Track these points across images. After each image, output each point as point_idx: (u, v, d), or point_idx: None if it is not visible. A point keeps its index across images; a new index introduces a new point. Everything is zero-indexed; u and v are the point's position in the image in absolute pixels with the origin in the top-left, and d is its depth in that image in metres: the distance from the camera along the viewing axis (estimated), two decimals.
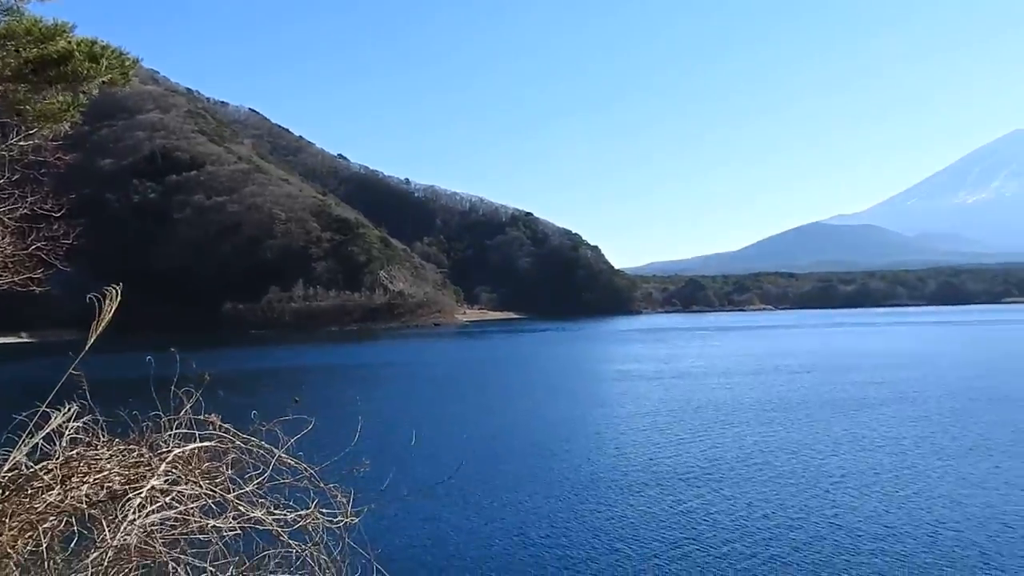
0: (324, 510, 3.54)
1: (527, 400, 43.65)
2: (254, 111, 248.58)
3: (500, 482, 22.68)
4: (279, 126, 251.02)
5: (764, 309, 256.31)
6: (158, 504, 3.17)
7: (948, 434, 28.62)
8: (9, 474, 3.24)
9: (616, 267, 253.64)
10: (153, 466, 3.29)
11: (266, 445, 3.61)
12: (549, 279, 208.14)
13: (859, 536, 16.86)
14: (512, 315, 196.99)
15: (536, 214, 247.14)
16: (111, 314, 3.59)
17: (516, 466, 24.98)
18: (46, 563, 3.03)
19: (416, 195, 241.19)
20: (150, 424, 3.49)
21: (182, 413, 3.50)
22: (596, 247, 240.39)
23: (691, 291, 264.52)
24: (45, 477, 3.22)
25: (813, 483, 21.62)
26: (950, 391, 42.11)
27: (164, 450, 3.40)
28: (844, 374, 52.04)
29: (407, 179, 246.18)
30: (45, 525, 3.10)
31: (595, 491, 21.34)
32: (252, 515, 3.34)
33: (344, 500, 3.63)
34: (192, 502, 3.25)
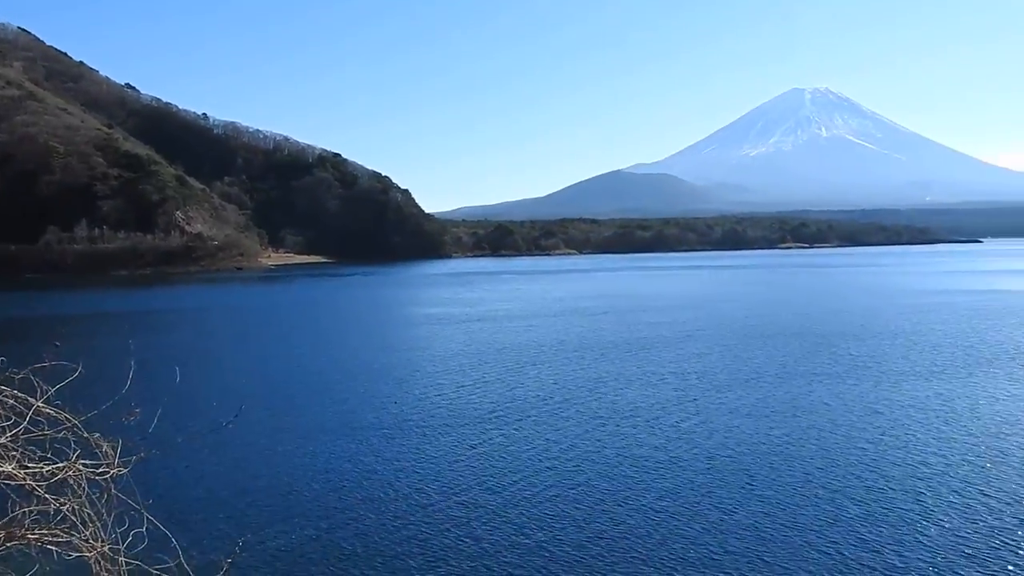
0: (88, 461, 3.34)
1: (328, 345, 42.96)
2: (24, 31, 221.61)
3: (289, 427, 22.13)
4: (55, 49, 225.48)
5: (569, 253, 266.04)
6: None
7: (726, 369, 31.27)
8: None
9: (426, 211, 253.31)
10: None
11: (20, 395, 3.34)
12: (358, 223, 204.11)
13: (647, 465, 18.10)
14: (319, 259, 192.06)
15: (345, 155, 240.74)
16: None
17: (309, 411, 24.48)
18: None
19: (215, 132, 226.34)
20: None
21: None
22: (406, 191, 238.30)
23: (500, 236, 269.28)
24: None
25: (607, 419, 22.88)
26: (730, 329, 46.03)
27: None
28: (639, 315, 55.36)
29: (205, 114, 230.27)
30: None
31: (395, 434, 21.36)
32: (1, 469, 3.09)
33: (111, 450, 3.44)
34: None
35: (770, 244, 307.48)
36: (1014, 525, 13.92)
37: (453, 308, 63.61)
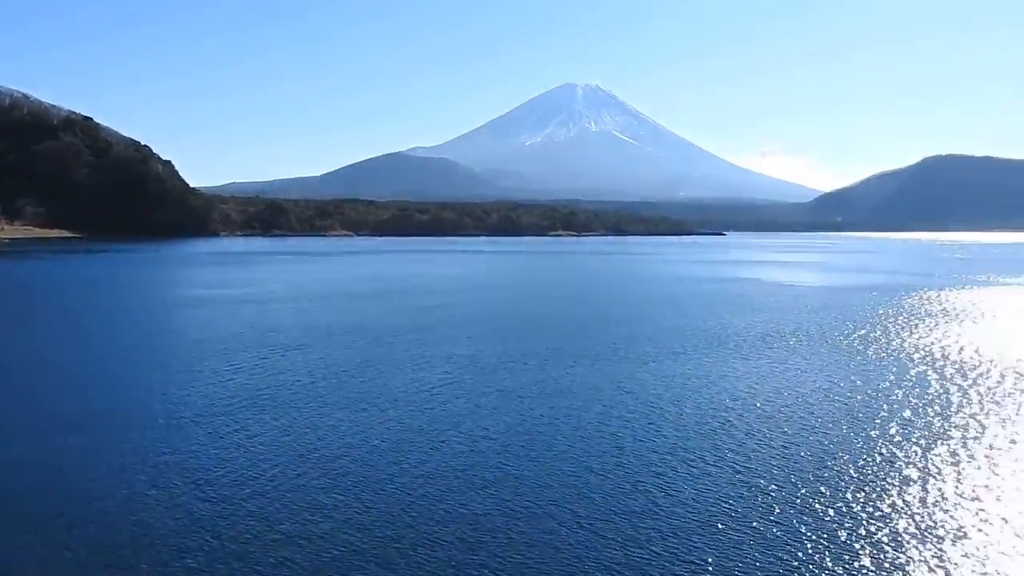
0: None
1: (71, 330, 39.10)
2: None
3: (20, 422, 19.89)
4: None
5: (345, 235, 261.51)
6: None
7: (495, 352, 32.03)
8: None
9: (192, 185, 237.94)
10: None
11: None
12: (112, 194, 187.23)
13: (406, 449, 17.97)
14: (65, 233, 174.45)
15: (98, 120, 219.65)
16: None
17: (42, 401, 22.12)
18: None
19: None
20: None
21: None
22: (169, 162, 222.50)
23: (272, 214, 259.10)
24: None
25: (372, 403, 22.50)
26: (500, 313, 47.37)
27: None
28: (413, 298, 55.41)
29: None
30: None
31: (138, 424, 19.75)
32: None
33: None
34: None
35: (542, 231, 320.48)
36: (741, 491, 15.38)
37: (218, 289, 60.17)
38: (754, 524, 13.66)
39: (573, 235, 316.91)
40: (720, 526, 13.61)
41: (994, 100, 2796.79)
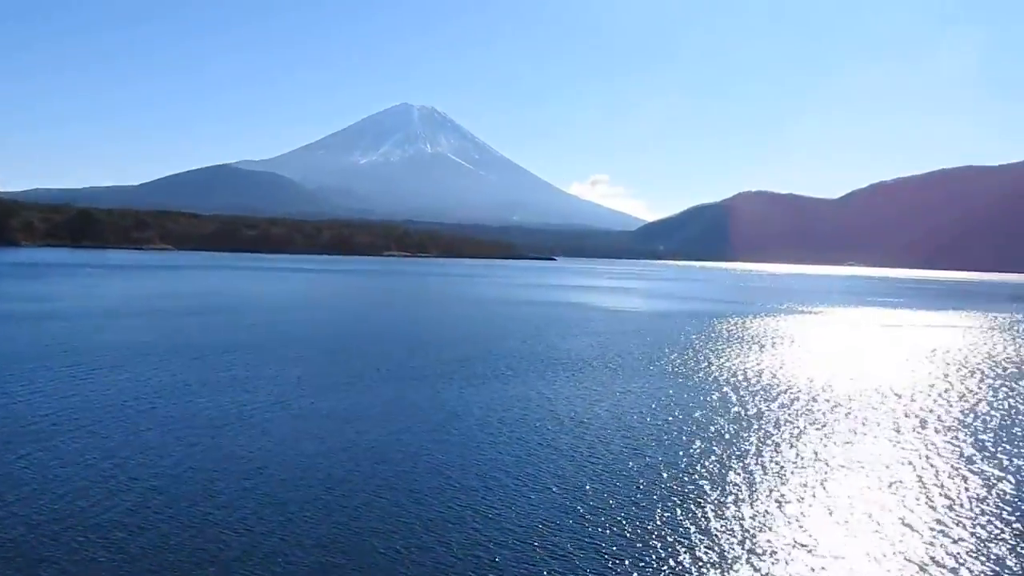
0: None
1: None
2: None
3: None
4: None
5: (166, 248, 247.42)
6: None
7: (321, 372, 31.27)
8: None
9: None
10: None
11: None
12: None
13: (223, 475, 17.17)
14: None
15: None
16: None
17: None
18: None
19: None
20: None
21: None
22: None
23: (82, 224, 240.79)
24: None
25: (185, 428, 21.35)
26: (330, 333, 46.30)
27: None
28: (237, 316, 53.14)
29: None
30: None
31: None
32: None
33: None
34: None
35: (376, 251, 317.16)
36: (557, 506, 15.79)
37: (17, 304, 55.02)
38: (568, 543, 14.07)
39: (407, 255, 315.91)
40: (535, 544, 13.91)
41: (799, 142, 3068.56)
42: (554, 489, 17.12)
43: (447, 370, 32.75)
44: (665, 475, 18.43)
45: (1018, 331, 64.24)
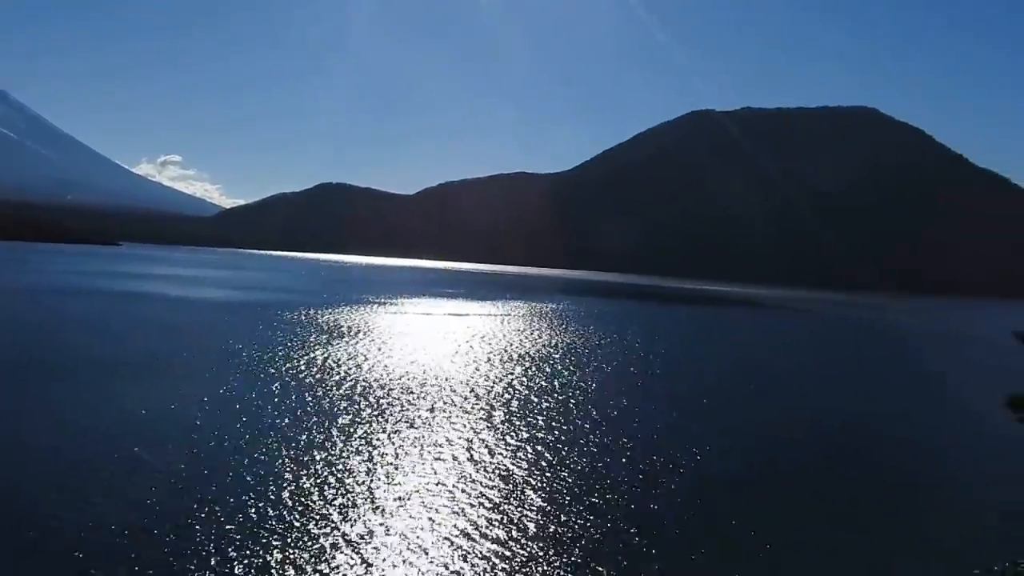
0: None
1: None
2: None
3: None
4: None
5: None
6: None
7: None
8: None
9: None
10: None
11: None
12: None
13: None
14: None
15: None
16: None
17: None
18: None
19: None
20: None
21: None
22: None
23: None
24: None
25: None
26: None
27: None
28: None
29: None
30: None
31: None
32: None
33: None
34: None
35: None
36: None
37: None
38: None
39: None
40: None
41: (382, 139, 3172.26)
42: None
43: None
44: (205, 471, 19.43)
45: (556, 316, 76.54)
